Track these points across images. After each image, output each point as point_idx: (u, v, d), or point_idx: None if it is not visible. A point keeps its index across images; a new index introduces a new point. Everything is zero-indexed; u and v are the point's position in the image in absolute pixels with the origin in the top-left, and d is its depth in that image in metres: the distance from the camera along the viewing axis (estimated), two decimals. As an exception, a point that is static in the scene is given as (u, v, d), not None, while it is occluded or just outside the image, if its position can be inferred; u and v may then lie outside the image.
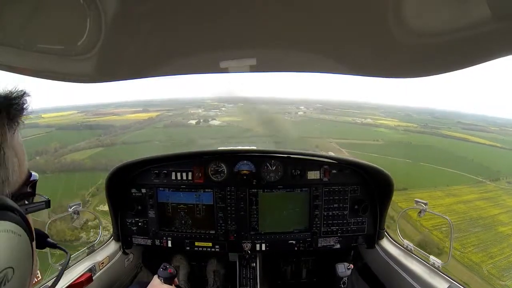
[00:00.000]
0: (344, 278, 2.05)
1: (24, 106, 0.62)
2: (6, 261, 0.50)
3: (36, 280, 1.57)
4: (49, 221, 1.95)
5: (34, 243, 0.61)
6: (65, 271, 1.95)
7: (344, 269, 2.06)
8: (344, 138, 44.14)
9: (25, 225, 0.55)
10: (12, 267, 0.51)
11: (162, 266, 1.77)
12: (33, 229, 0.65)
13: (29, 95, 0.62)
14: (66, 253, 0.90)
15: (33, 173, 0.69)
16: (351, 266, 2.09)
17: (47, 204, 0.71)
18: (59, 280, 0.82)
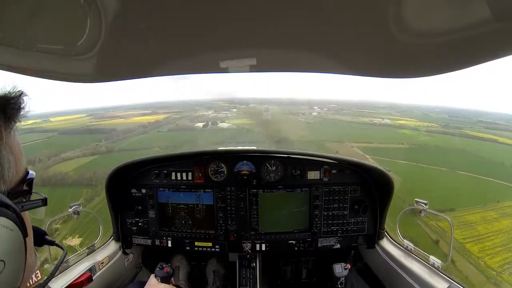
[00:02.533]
0: (341, 278, 2.06)
1: (21, 106, 0.63)
2: None
3: (36, 280, 1.57)
4: (49, 222, 1.95)
5: (28, 239, 0.62)
6: (65, 271, 1.95)
7: (341, 269, 2.06)
8: (367, 142, 40.23)
9: (19, 221, 0.56)
10: (3, 261, 0.52)
11: (158, 265, 1.79)
12: (30, 226, 0.67)
13: (26, 95, 0.63)
14: (63, 249, 0.92)
15: (30, 171, 0.70)
16: (348, 266, 2.09)
17: (44, 202, 0.72)
18: (53, 276, 0.83)
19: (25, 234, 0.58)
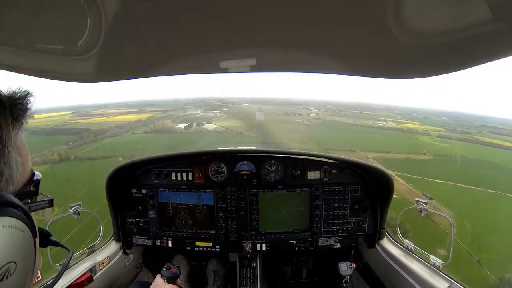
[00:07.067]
0: (346, 277, 2.06)
1: (28, 106, 0.63)
2: (9, 255, 0.51)
3: (36, 280, 1.57)
4: (50, 221, 1.95)
5: (37, 240, 0.62)
6: (65, 271, 1.95)
7: (346, 267, 2.07)
8: (384, 151, 33.60)
9: (29, 222, 0.56)
10: (14, 262, 0.52)
11: (165, 265, 1.77)
12: (36, 227, 0.66)
13: (32, 95, 0.63)
14: (69, 251, 0.90)
15: (36, 172, 0.70)
16: (353, 265, 2.09)
17: (50, 203, 0.72)
18: (59, 278, 0.82)
19: (34, 235, 0.59)
